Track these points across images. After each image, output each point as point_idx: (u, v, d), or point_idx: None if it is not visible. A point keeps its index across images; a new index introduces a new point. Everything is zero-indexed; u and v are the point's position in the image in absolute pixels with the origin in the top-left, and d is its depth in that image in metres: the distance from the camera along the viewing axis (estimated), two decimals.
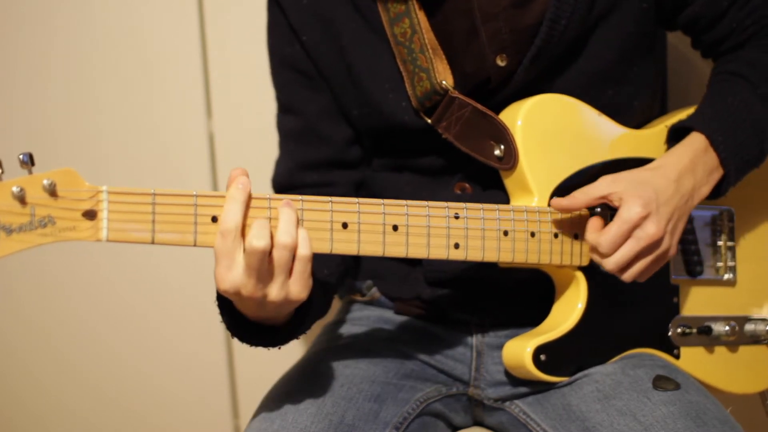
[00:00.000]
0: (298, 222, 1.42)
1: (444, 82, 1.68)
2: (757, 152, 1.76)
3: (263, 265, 1.38)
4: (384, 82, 1.75)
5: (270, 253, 1.38)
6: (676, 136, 1.76)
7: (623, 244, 1.60)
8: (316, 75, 1.82)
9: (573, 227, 1.66)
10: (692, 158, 1.68)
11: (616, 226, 1.59)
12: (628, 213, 1.59)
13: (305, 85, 1.84)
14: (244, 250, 1.38)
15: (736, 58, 1.82)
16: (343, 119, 1.84)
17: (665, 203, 1.62)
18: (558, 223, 1.65)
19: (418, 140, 1.77)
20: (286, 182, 1.87)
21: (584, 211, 1.67)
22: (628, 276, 1.62)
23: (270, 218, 1.42)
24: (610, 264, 1.60)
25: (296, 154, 1.87)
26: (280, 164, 1.90)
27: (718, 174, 1.72)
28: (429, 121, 1.72)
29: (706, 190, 1.70)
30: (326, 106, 1.84)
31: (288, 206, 1.42)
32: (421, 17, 1.70)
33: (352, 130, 1.85)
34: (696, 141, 1.71)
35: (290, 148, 1.89)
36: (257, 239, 1.36)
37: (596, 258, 1.63)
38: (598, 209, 1.64)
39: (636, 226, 1.59)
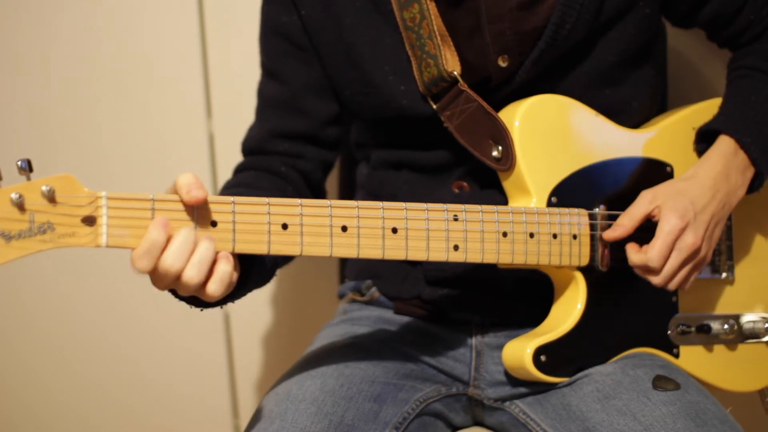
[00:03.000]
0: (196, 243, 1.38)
1: (455, 72, 1.69)
2: None
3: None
4: (385, 64, 1.76)
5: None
6: (704, 138, 1.79)
7: (669, 256, 1.65)
8: (310, 48, 1.83)
9: (572, 228, 1.67)
10: (725, 163, 1.73)
11: (660, 240, 1.64)
12: (668, 225, 1.64)
13: (295, 56, 1.85)
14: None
15: (752, 51, 1.86)
16: (328, 97, 1.86)
17: (702, 211, 1.67)
18: (556, 224, 1.65)
19: (416, 129, 1.78)
20: (256, 147, 1.88)
21: (583, 212, 1.68)
22: (673, 285, 1.68)
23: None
24: (659, 279, 1.66)
25: (271, 122, 1.88)
26: (253, 129, 1.91)
27: (750, 173, 1.76)
28: (435, 106, 1.72)
29: (741, 192, 1.76)
30: (313, 80, 1.85)
31: (187, 231, 1.37)
32: (431, 4, 1.70)
33: (336, 108, 1.87)
34: (725, 144, 1.75)
35: (267, 114, 1.90)
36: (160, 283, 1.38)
37: (644, 275, 1.68)
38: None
39: (677, 237, 1.64)
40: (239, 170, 1.87)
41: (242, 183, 1.78)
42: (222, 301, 1.51)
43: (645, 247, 1.66)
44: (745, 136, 1.74)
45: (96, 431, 2.57)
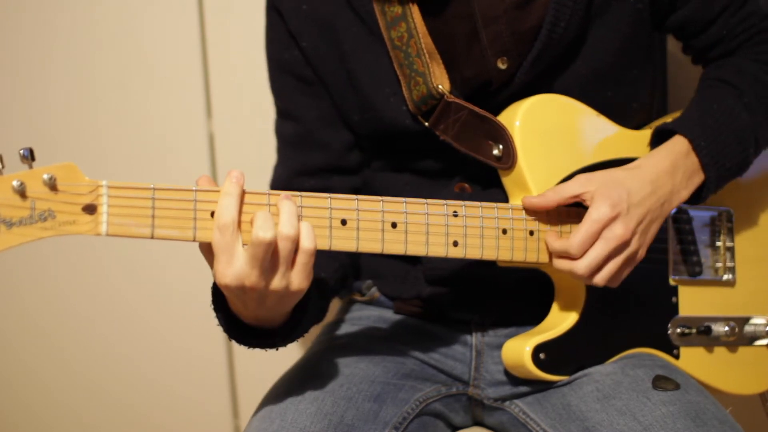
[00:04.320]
0: (299, 215, 1.43)
1: (440, 87, 1.68)
2: (739, 160, 1.75)
3: (267, 256, 1.39)
4: (384, 86, 1.76)
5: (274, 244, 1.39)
6: (660, 138, 1.76)
7: (592, 245, 1.59)
8: (315, 81, 1.83)
9: (572, 227, 1.66)
10: (673, 161, 1.69)
11: (585, 227, 1.59)
12: (597, 213, 1.59)
13: (303, 91, 1.84)
14: (250, 241, 1.38)
15: (725, 64, 1.83)
16: (342, 125, 1.85)
17: (637, 204, 1.62)
18: (557, 222, 1.65)
19: (417, 143, 1.77)
20: (283, 188, 1.87)
21: (583, 211, 1.67)
22: (599, 279, 1.61)
23: (270, 210, 1.43)
24: (581, 267, 1.59)
25: (294, 160, 1.87)
26: (278, 169, 1.91)
27: (698, 179, 1.71)
28: (426, 124, 1.72)
29: (685, 194, 1.70)
30: (325, 112, 1.84)
31: (288, 199, 1.43)
32: (418, 21, 1.70)
33: (352, 135, 1.86)
34: (678, 144, 1.71)
35: (288, 153, 1.89)
36: (263, 231, 1.37)
37: (565, 265, 1.62)
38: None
39: (604, 226, 1.59)
40: None
41: None
42: (290, 334, 1.59)
43: (575, 230, 1.61)
44: (700, 140, 1.70)
45: (96, 431, 2.57)
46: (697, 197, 1.73)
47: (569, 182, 1.64)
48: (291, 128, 1.88)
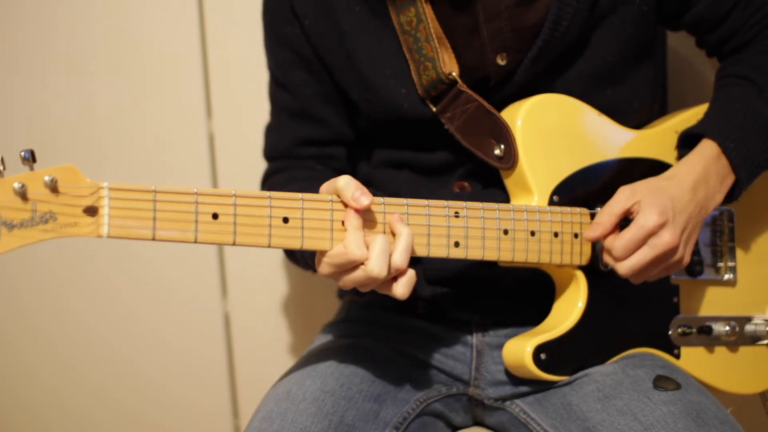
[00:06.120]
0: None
1: (453, 73, 1.69)
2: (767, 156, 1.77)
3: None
4: (385, 68, 1.76)
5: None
6: (686, 142, 1.77)
7: (637, 250, 1.61)
8: (315, 59, 1.83)
9: (573, 227, 1.66)
10: (705, 166, 1.70)
11: (632, 232, 1.60)
12: (644, 220, 1.60)
13: (303, 67, 1.85)
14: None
15: (740, 60, 1.83)
16: (340, 102, 1.86)
17: (681, 212, 1.64)
18: (558, 223, 1.65)
19: (418, 131, 1.78)
20: (282, 154, 1.89)
21: (584, 212, 1.68)
22: (638, 281, 1.65)
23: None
24: (623, 268, 1.62)
25: (293, 130, 1.89)
26: (275, 133, 1.92)
27: (730, 180, 1.73)
28: (434, 109, 1.72)
29: (719, 197, 1.72)
30: (323, 89, 1.85)
31: (401, 222, 1.50)
32: (427, 7, 1.70)
33: (350, 112, 1.87)
34: (707, 148, 1.72)
35: (285, 122, 1.91)
36: (379, 269, 1.46)
37: (609, 261, 1.65)
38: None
39: (652, 233, 1.60)
40: (272, 173, 1.89)
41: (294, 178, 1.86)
42: None
43: (622, 232, 1.63)
44: (729, 142, 1.71)
45: (96, 431, 2.57)
46: (729, 197, 1.75)
47: (615, 198, 1.65)
48: (288, 100, 1.89)
